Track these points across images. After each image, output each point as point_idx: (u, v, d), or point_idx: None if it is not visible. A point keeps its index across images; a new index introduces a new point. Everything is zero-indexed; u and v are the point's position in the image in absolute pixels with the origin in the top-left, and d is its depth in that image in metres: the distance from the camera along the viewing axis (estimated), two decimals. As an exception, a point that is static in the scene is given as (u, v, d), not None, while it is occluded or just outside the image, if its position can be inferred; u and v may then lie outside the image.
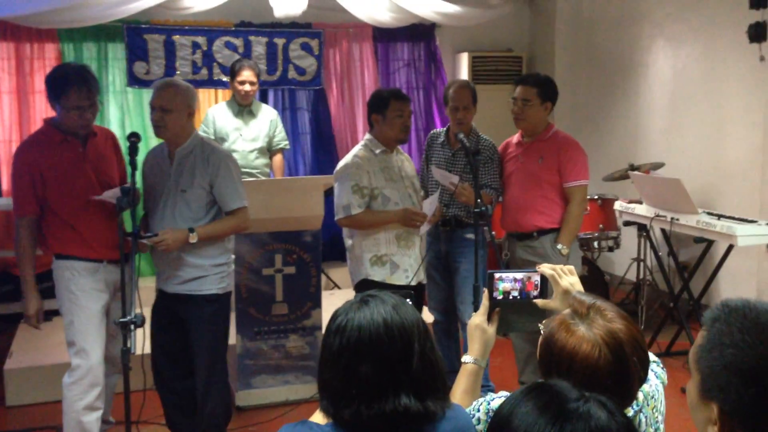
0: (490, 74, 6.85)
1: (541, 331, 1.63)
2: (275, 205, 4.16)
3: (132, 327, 3.06)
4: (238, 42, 6.10)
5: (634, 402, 1.66)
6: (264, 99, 6.21)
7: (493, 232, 4.95)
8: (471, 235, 3.93)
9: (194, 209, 3.41)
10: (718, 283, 5.04)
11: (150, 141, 5.68)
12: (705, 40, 5.45)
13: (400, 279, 3.78)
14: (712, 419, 1.13)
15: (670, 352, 4.92)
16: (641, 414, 1.71)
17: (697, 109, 5.56)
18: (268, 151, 5.43)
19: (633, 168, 5.28)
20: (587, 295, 1.68)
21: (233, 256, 3.67)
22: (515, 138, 4.14)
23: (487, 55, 6.93)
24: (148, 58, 5.88)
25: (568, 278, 1.97)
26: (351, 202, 3.70)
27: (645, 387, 1.72)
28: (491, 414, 1.70)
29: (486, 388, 3.90)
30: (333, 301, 4.77)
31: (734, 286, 5.17)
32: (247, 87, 5.23)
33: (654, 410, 1.74)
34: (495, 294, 2.00)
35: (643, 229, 5.21)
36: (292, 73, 6.28)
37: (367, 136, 3.88)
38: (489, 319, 1.99)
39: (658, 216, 4.73)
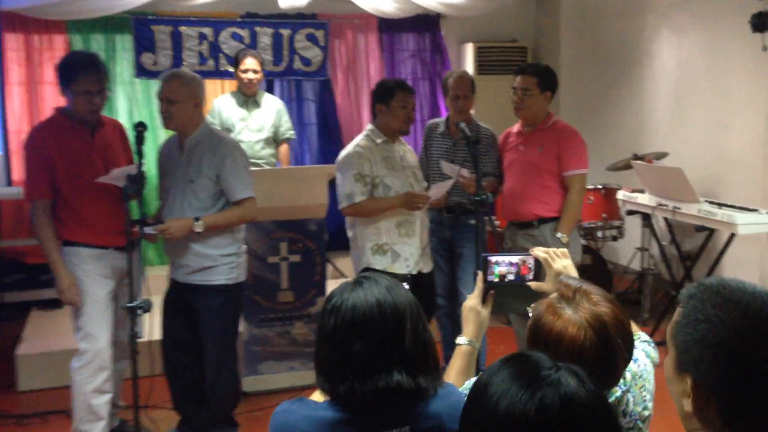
0: (495, 65, 6.85)
1: (530, 315, 1.68)
2: (280, 194, 4.20)
3: (139, 312, 3.12)
4: (244, 33, 6.13)
5: (622, 381, 1.71)
6: (270, 90, 6.24)
7: (497, 222, 5.00)
8: (474, 221, 3.97)
9: (202, 199, 3.43)
10: (720, 272, 5.04)
11: (158, 131, 5.77)
12: (709, 30, 5.45)
13: (401, 268, 3.79)
14: (686, 391, 1.17)
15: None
16: (629, 393, 1.75)
17: (700, 99, 5.57)
18: (275, 141, 5.44)
19: (636, 157, 5.30)
20: (575, 279, 1.72)
21: (244, 247, 3.67)
22: (515, 128, 4.15)
23: (492, 46, 6.93)
24: (156, 49, 5.91)
25: (561, 261, 2.01)
26: (354, 190, 3.72)
27: (633, 367, 1.76)
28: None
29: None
30: (338, 289, 4.82)
31: (736, 274, 5.09)
32: (250, 75, 5.20)
33: (642, 389, 1.79)
34: (491, 277, 2.05)
35: (646, 218, 5.24)
36: (297, 64, 6.30)
37: (369, 126, 3.89)
38: (483, 301, 2.04)
39: (660, 205, 4.75)
